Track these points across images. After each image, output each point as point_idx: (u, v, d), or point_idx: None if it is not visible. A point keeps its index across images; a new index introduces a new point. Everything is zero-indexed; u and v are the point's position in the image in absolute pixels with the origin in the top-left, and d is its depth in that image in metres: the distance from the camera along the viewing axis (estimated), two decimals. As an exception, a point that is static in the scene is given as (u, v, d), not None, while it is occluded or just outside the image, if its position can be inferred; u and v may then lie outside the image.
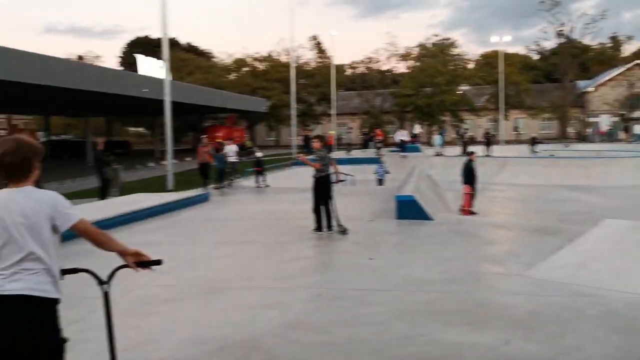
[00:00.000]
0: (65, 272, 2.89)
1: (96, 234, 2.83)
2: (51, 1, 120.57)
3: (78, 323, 4.73)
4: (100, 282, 3.00)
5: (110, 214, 10.98)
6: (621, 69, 56.32)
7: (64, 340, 2.72)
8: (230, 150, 19.62)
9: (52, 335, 2.67)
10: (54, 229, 2.68)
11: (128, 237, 9.74)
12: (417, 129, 41.61)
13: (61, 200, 2.73)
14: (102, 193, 15.25)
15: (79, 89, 26.39)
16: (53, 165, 32.17)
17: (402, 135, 33.03)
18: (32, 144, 2.77)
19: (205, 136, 19.35)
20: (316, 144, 10.05)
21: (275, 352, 4.40)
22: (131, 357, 4.36)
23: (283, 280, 6.65)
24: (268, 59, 59.92)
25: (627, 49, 65.80)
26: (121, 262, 3.00)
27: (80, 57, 63.15)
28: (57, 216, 2.67)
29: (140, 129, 71.39)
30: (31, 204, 2.65)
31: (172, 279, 6.81)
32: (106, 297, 3.01)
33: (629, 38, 71.78)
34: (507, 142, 48.10)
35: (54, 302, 2.68)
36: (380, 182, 21.67)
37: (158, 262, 3.01)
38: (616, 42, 65.18)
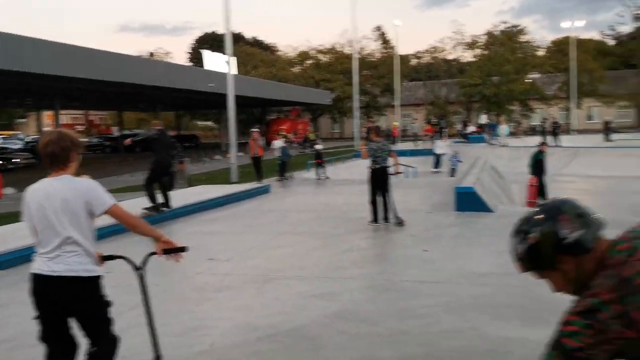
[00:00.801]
0: (104, 258, 3.13)
1: (129, 218, 3.07)
2: (126, 0, 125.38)
3: (135, 309, 4.95)
4: (136, 268, 3.20)
5: (176, 204, 11.43)
6: None
7: (109, 305, 3.04)
8: (278, 144, 19.67)
9: (100, 307, 3.01)
10: (90, 213, 2.93)
11: (192, 227, 10.14)
12: (484, 119, 40.59)
13: (96, 187, 2.98)
14: (146, 189, 15.73)
15: (148, 85, 27.44)
16: (126, 159, 33.56)
17: (440, 148, 23.75)
18: (72, 136, 3.04)
19: (256, 130, 19.43)
20: (373, 136, 10.04)
21: (322, 342, 4.47)
22: (183, 341, 4.56)
23: (336, 271, 6.72)
24: (331, 50, 59.98)
25: None
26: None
27: (151, 54, 65.33)
28: (92, 202, 2.92)
29: (208, 123, 73.22)
30: (69, 191, 2.90)
31: (229, 267, 7.04)
32: (142, 282, 3.20)
33: None
34: (580, 132, 46.19)
35: (98, 278, 2.98)
36: (453, 172, 21.25)
37: (183, 249, 3.19)
38: (701, 23, 61.06)
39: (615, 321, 1.48)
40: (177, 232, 9.91)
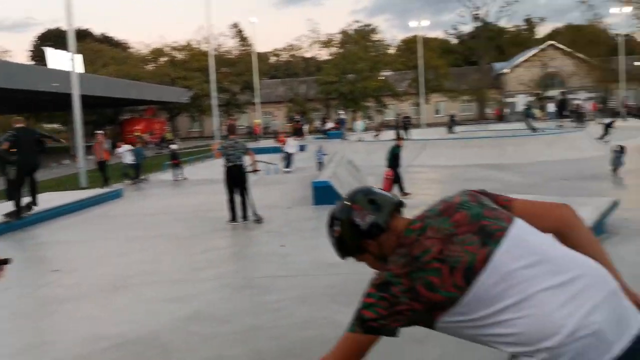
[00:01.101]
0: None
1: None
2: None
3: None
4: None
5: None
6: (535, 50, 58.63)
7: None
8: (124, 150, 18.94)
9: None
10: None
11: (38, 237, 9.44)
12: (340, 115, 41.97)
13: None
14: (9, 194, 14.50)
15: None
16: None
17: (291, 147, 23.02)
18: None
19: (101, 132, 18.59)
20: (228, 133, 10.02)
21: (173, 346, 4.35)
22: (25, 357, 4.24)
23: (190, 273, 6.58)
24: (187, 47, 58.56)
25: (541, 31, 68.84)
26: None
27: (-14, 52, 59.63)
28: None
29: (55, 125, 68.28)
30: None
31: (75, 277, 6.62)
32: None
33: (542, 20, 74.86)
34: (429, 125, 49.34)
35: None
36: (320, 166, 21.55)
37: (6, 262, 2.96)
38: (530, 24, 67.88)
39: (405, 295, 1.64)
40: (21, 243, 9.16)
